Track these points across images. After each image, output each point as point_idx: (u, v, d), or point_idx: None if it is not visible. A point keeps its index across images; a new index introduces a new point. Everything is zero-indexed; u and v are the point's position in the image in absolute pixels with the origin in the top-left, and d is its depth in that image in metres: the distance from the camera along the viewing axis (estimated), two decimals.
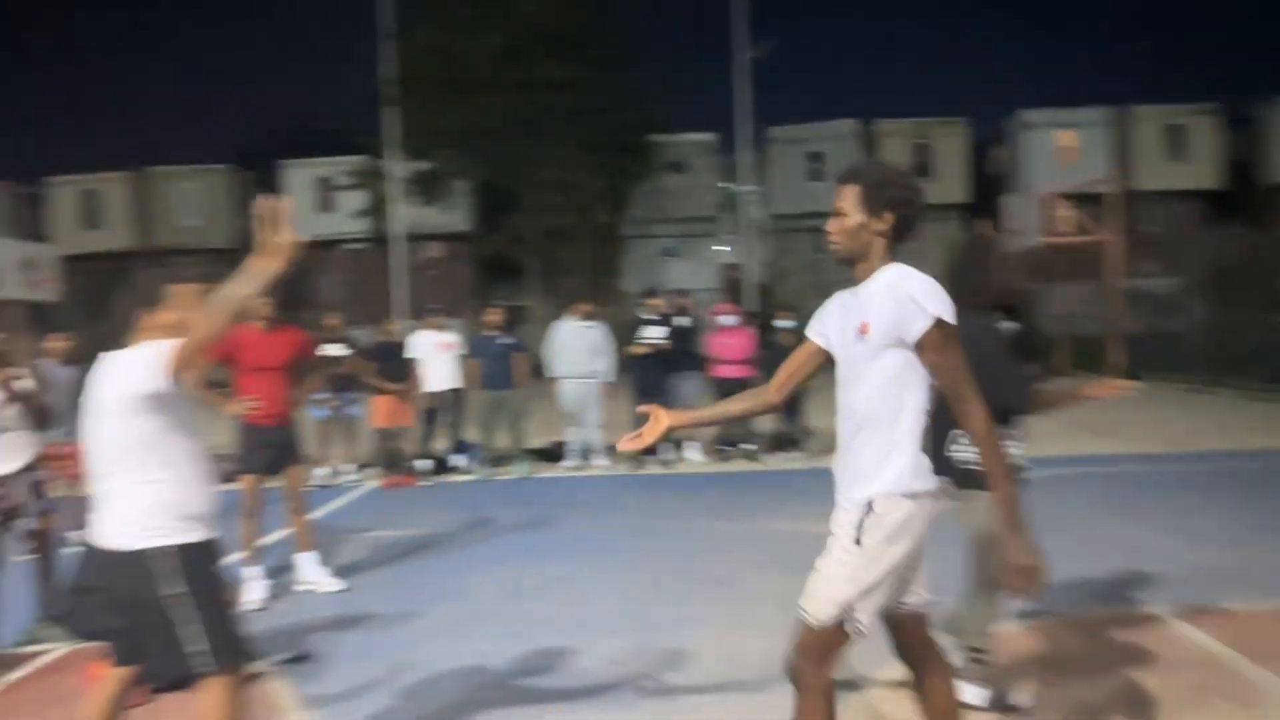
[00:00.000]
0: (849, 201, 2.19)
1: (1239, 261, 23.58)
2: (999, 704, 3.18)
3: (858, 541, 2.07)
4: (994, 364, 3.08)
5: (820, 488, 7.98)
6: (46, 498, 4.26)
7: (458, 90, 24.14)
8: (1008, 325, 3.66)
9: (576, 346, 9.18)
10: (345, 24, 60.08)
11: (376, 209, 29.17)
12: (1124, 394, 3.28)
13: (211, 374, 4.89)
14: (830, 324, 2.33)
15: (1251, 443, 9.68)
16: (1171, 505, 6.85)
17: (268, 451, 4.93)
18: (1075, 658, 3.83)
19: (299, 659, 3.52)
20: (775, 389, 2.50)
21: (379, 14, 24.21)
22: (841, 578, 2.08)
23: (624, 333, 9.59)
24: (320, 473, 8.75)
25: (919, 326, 2.03)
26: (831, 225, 2.23)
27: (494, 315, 9.19)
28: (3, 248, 17.09)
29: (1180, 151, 32.36)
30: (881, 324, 2.08)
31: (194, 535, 2.45)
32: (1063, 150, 31.66)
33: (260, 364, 4.87)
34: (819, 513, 7.03)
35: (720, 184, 33.21)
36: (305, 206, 35.11)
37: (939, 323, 2.03)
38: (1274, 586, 4.64)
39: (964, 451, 3.11)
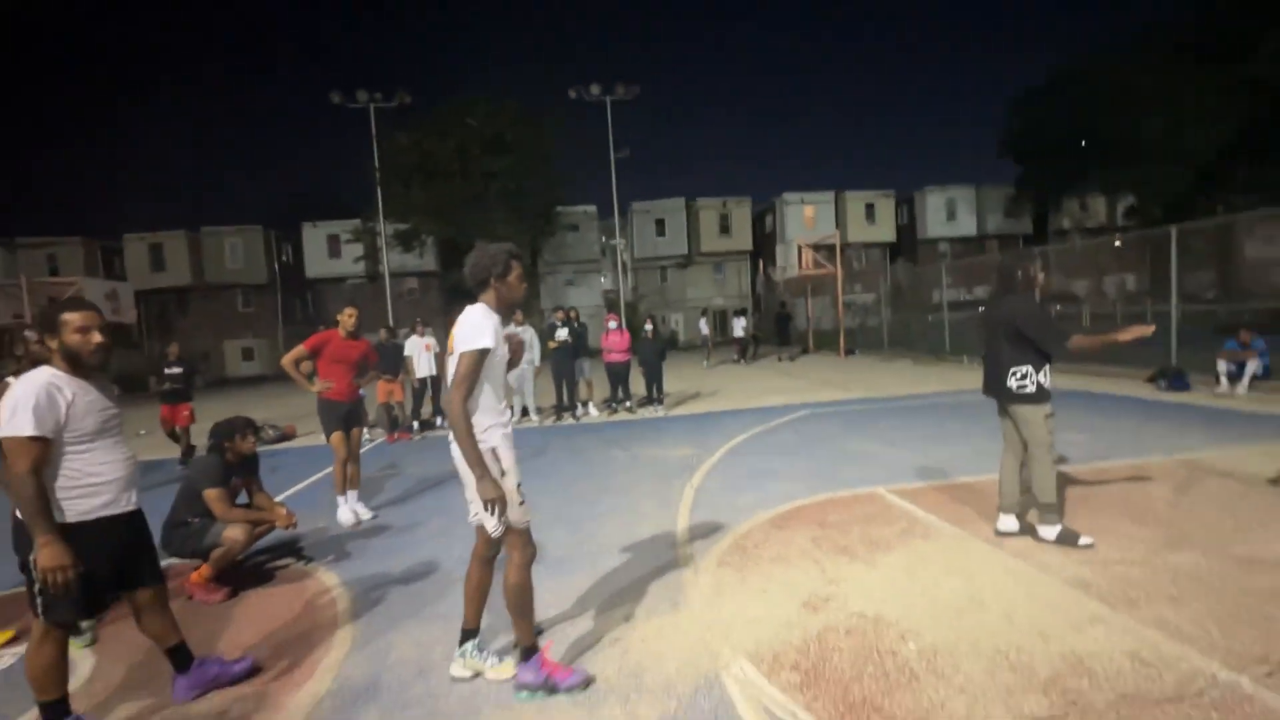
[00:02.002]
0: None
1: (906, 284, 25.44)
2: (1067, 538, 3.27)
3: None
4: (1041, 325, 3.24)
5: (674, 429, 8.12)
6: None
7: (427, 175, 23.11)
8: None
9: None
10: (348, 128, 56.32)
11: (371, 255, 27.52)
12: (1144, 334, 3.17)
13: (302, 359, 4.50)
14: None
15: (922, 389, 10.17)
16: (882, 427, 7.06)
17: (345, 418, 4.57)
18: (831, 521, 3.98)
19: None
20: None
21: (370, 120, 22.97)
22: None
23: (543, 334, 9.43)
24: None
25: None
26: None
27: None
28: (92, 284, 15.11)
29: (873, 219, 34.48)
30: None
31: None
32: (806, 218, 33.16)
33: (340, 358, 4.53)
34: (675, 443, 7.17)
35: (601, 238, 33.12)
36: (321, 255, 32.72)
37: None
38: (940, 473, 4.95)
39: (1016, 382, 3.30)
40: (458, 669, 2.44)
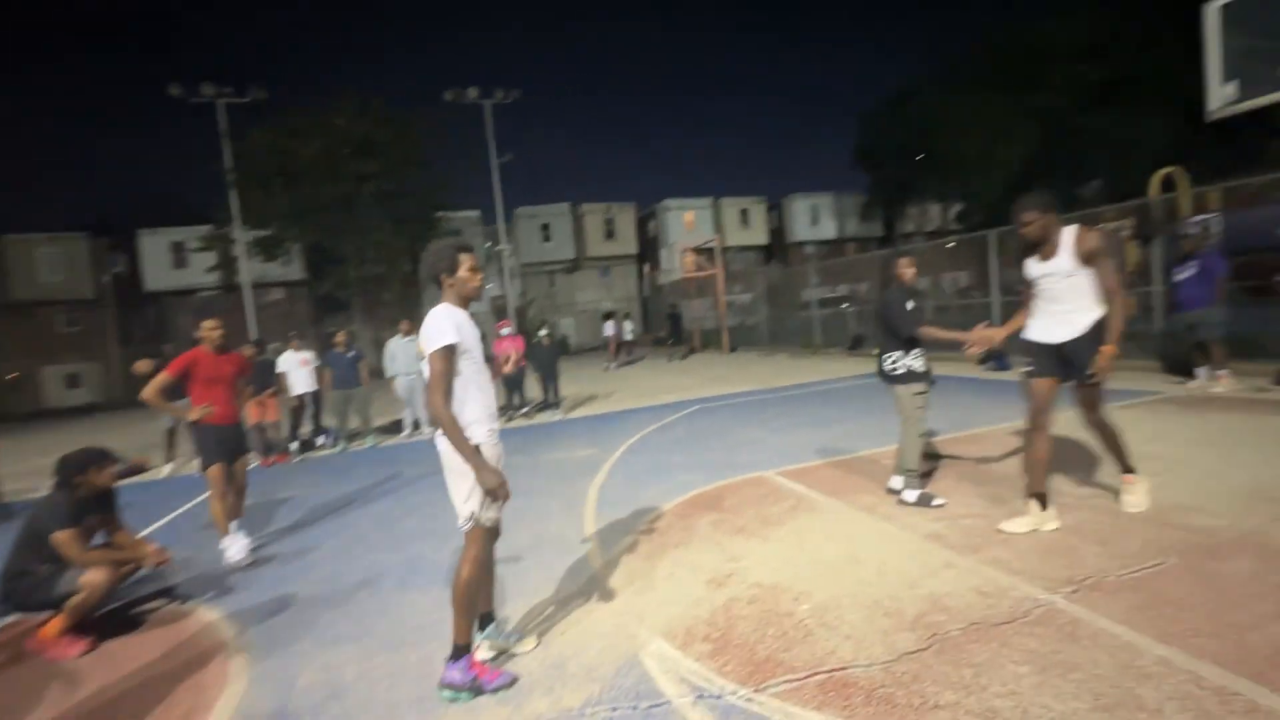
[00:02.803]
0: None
1: (779, 283, 27.23)
2: (924, 500, 3.76)
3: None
4: (894, 315, 3.69)
5: (573, 431, 8.11)
6: None
7: (289, 178, 21.22)
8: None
9: (404, 353, 8.56)
10: (193, 126, 50.19)
11: (226, 264, 24.81)
12: (990, 341, 3.48)
13: (168, 387, 3.99)
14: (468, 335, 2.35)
15: (799, 379, 10.82)
16: (766, 416, 7.51)
17: (227, 445, 4.12)
18: (728, 505, 4.25)
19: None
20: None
21: (218, 117, 20.70)
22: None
23: None
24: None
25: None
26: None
27: (341, 336, 8.29)
28: None
29: (747, 223, 36.55)
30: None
31: None
32: (687, 222, 34.41)
33: (213, 377, 4.06)
34: (575, 445, 7.19)
35: (485, 244, 32.29)
36: (163, 265, 29.05)
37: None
38: (819, 453, 5.39)
39: (889, 365, 3.75)
40: (482, 652, 2.49)
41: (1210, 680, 1.97)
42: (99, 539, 3.31)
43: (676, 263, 20.81)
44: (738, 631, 2.57)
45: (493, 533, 2.42)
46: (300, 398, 8.17)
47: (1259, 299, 9.85)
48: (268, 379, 7.88)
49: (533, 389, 10.10)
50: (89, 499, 3.14)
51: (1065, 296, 3.16)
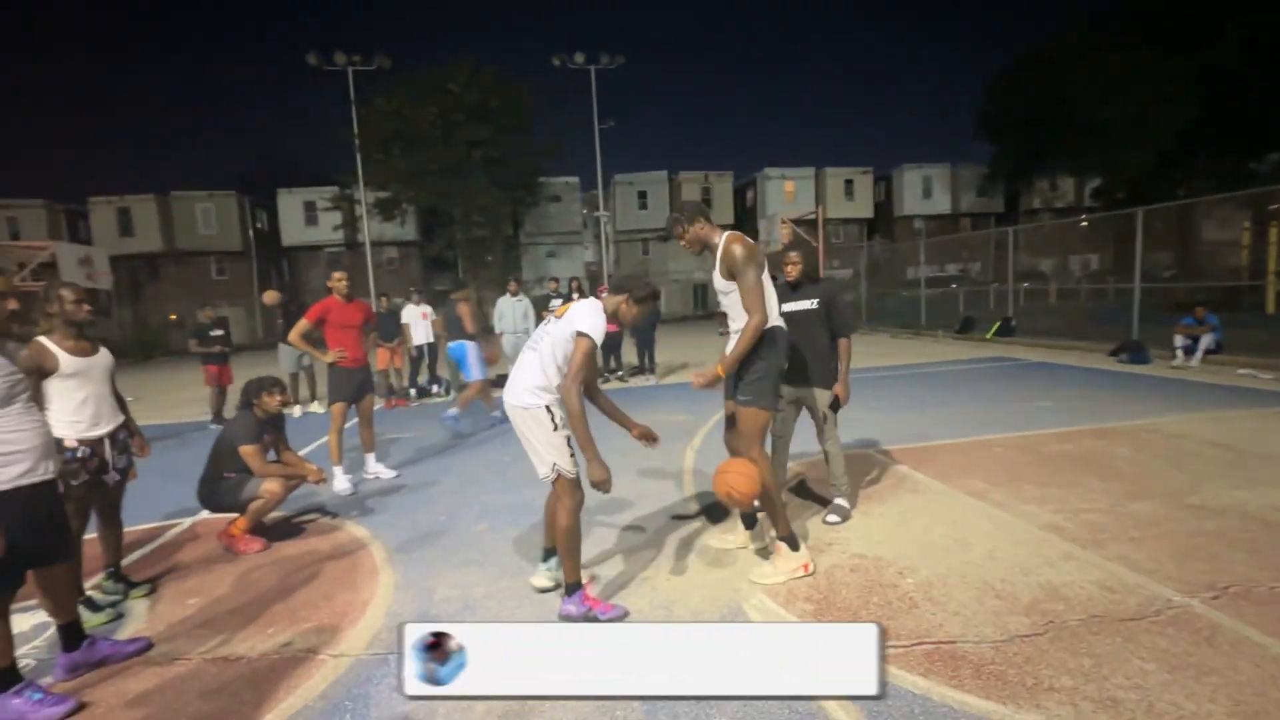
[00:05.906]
0: None
1: (883, 259, 25.86)
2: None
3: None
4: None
5: (665, 396, 8.20)
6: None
7: (407, 143, 22.55)
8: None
9: (512, 312, 9.02)
10: (324, 92, 53.85)
11: (349, 223, 26.93)
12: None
13: (310, 332, 4.55)
14: None
15: (900, 360, 10.41)
16: (865, 395, 7.06)
17: (353, 386, 4.61)
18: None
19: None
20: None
21: (349, 85, 22.22)
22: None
23: (538, 304, 9.51)
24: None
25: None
26: None
27: (460, 294, 8.87)
28: (66, 249, 14.50)
29: (851, 195, 34.80)
30: None
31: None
32: (787, 193, 33.31)
33: (344, 323, 4.55)
34: (670, 410, 7.27)
35: (583, 210, 32.86)
36: (297, 222, 31.88)
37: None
38: (920, 436, 5.21)
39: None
40: (541, 580, 2.74)
41: None
42: (270, 456, 3.84)
43: (775, 234, 20.20)
44: (840, 596, 2.63)
45: (577, 482, 2.58)
46: (420, 348, 8.87)
47: None
48: (394, 329, 8.61)
49: (629, 354, 10.33)
50: (265, 420, 3.64)
51: (730, 312, 2.78)
